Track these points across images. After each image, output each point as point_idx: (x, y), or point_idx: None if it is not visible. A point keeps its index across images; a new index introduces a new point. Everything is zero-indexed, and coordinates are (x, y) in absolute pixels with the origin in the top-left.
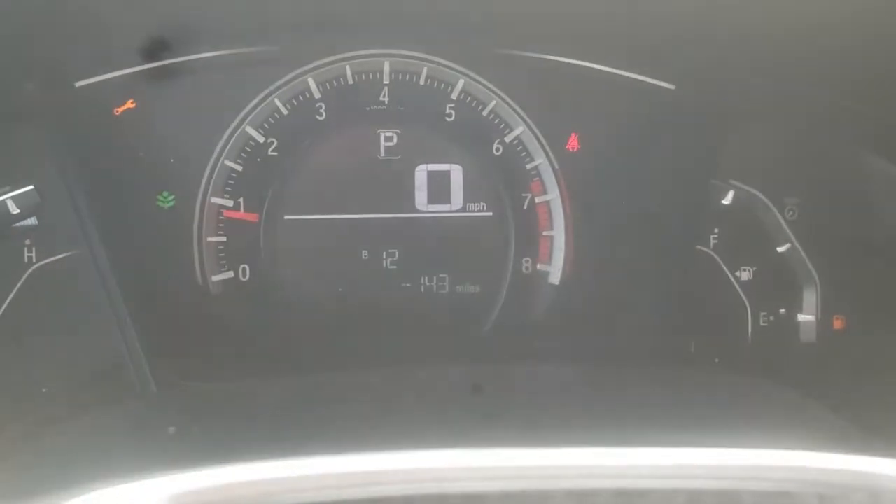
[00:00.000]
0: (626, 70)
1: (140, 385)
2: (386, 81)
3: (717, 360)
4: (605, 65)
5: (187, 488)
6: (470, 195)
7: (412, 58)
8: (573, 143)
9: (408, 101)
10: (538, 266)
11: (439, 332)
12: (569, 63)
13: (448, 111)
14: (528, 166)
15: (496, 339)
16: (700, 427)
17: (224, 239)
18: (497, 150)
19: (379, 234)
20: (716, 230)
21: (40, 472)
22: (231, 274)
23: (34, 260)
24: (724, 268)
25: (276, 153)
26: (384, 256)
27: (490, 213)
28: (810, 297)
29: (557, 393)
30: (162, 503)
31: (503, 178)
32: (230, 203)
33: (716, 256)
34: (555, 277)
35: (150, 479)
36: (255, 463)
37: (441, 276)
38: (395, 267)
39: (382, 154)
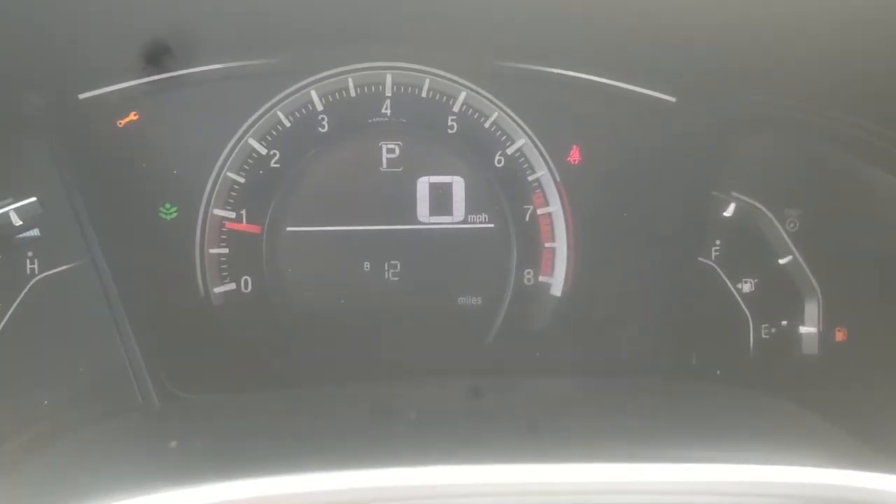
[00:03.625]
0: (627, 83)
1: (142, 397)
2: (388, 94)
3: (718, 373)
4: (607, 77)
5: (190, 503)
6: (472, 207)
7: (414, 70)
8: (574, 155)
9: (410, 113)
10: (540, 278)
11: (441, 343)
12: (570, 76)
13: (450, 123)
14: (530, 178)
15: (498, 351)
16: (702, 441)
17: (226, 251)
18: (499, 162)
19: (381, 245)
20: (717, 242)
21: (42, 485)
22: (233, 286)
23: (36, 271)
24: (726, 280)
25: (278, 165)
26: (386, 268)
27: (492, 225)
28: (812, 309)
29: (559, 405)
30: None
31: (505, 190)
32: (232, 215)
33: (717, 268)
34: (557, 289)
35: (151, 493)
36: (257, 478)
37: (443, 287)
38: (396, 279)
39: (384, 166)
